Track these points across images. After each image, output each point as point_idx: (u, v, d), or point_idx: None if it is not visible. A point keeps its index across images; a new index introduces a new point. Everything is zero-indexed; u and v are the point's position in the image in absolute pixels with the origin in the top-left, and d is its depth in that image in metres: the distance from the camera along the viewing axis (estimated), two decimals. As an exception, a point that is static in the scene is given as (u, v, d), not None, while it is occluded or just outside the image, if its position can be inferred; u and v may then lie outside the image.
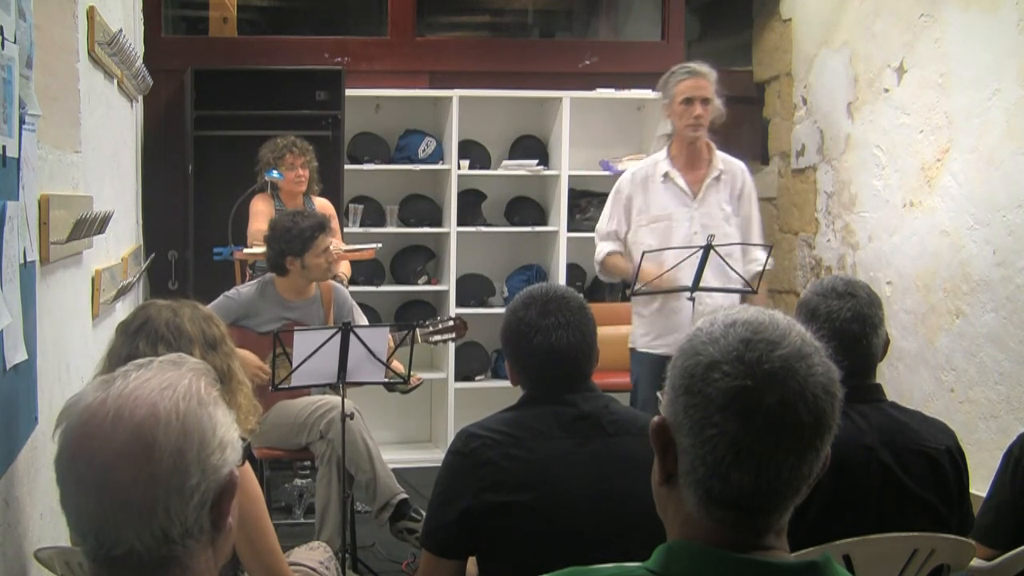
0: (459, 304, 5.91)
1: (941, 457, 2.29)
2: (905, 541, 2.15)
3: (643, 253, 4.03)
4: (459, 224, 5.91)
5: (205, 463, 1.18)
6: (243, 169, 5.24)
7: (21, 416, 2.04)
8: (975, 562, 2.27)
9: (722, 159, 4.26)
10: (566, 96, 5.92)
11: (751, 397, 1.14)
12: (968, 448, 2.49)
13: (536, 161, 6.01)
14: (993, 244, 4.38)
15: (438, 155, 5.97)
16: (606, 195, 6.04)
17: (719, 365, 1.16)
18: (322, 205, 5.12)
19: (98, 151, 3.40)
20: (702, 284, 3.91)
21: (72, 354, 2.73)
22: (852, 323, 2.31)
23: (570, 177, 5.98)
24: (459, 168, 5.87)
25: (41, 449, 2.20)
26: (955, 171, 4.61)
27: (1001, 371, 4.35)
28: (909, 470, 2.25)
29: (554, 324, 2.18)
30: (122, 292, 3.66)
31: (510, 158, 6.07)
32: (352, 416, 3.77)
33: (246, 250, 4.86)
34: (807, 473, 1.17)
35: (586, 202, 6.09)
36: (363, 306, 4.69)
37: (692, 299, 3.96)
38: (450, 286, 5.91)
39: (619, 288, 5.99)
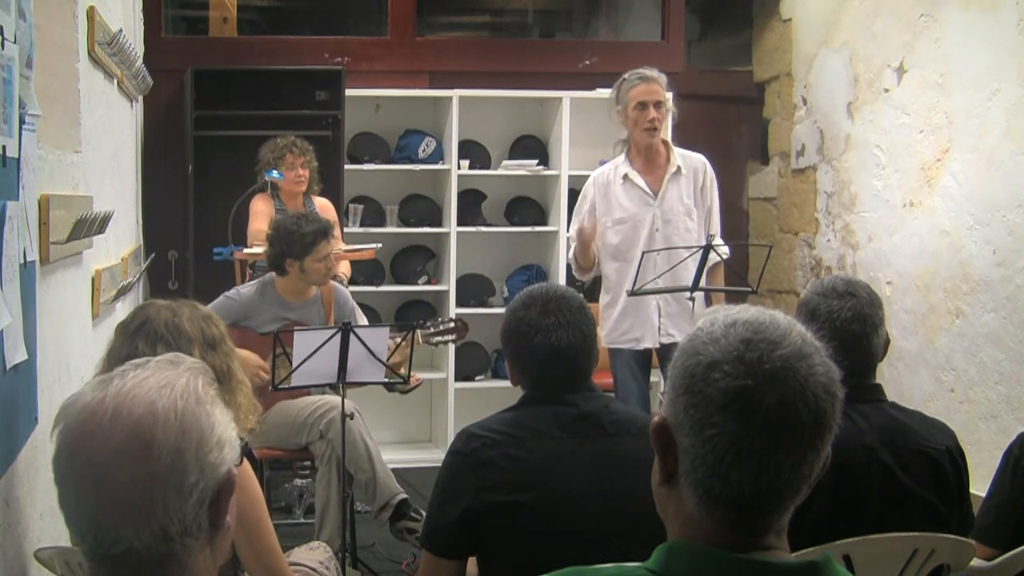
0: (459, 304, 5.91)
1: (941, 457, 2.29)
2: (905, 541, 2.15)
3: (643, 253, 4.06)
4: (459, 224, 5.91)
5: (203, 461, 1.18)
6: (243, 169, 5.24)
7: (21, 416, 2.04)
8: (975, 562, 2.27)
9: (680, 155, 4.33)
10: (566, 96, 5.92)
11: (751, 397, 1.14)
12: (968, 448, 2.49)
13: (536, 161, 6.01)
14: (993, 244, 4.38)
15: (438, 155, 5.97)
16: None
17: (719, 365, 1.16)
18: (322, 205, 5.12)
19: (98, 151, 3.40)
20: (653, 281, 4.01)
21: (72, 354, 2.73)
22: (852, 323, 2.31)
23: (570, 177, 5.97)
24: (459, 168, 5.87)
25: (41, 449, 2.20)
26: (955, 171, 4.61)
27: (1001, 371, 4.35)
28: (909, 470, 2.25)
29: (554, 324, 2.18)
30: (122, 292, 3.66)
31: (510, 158, 6.07)
32: (352, 416, 3.77)
33: (246, 250, 4.85)
34: (807, 473, 1.17)
35: (586, 202, 6.09)
36: (363, 306, 4.69)
37: (692, 299, 3.99)
38: (450, 286, 5.91)
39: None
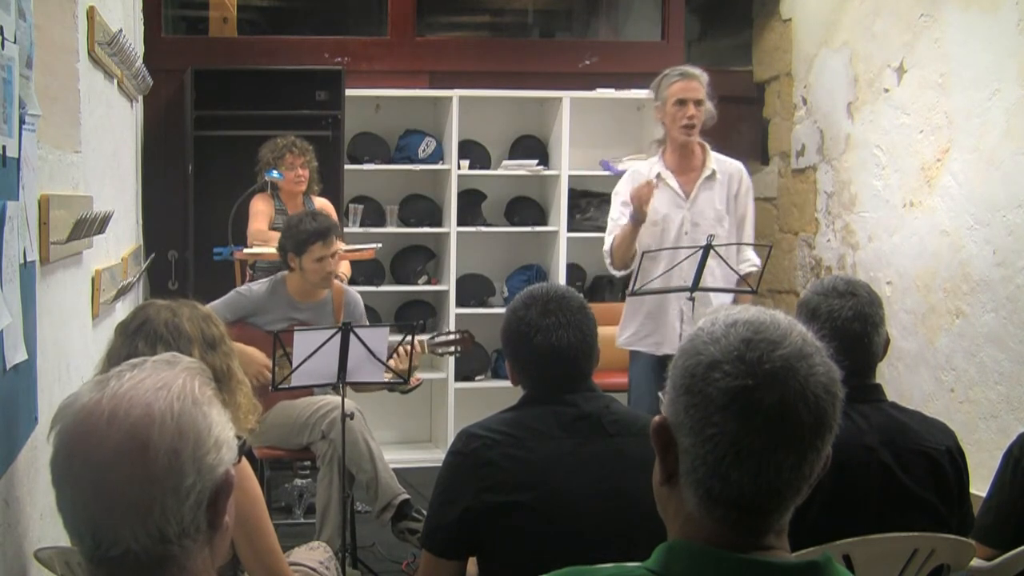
0: (459, 304, 5.91)
1: (941, 457, 2.29)
2: (905, 541, 2.15)
3: (643, 253, 4.05)
4: (459, 224, 5.91)
5: (201, 463, 1.18)
6: (243, 169, 5.24)
7: (21, 416, 2.04)
8: (975, 562, 2.27)
9: (716, 159, 4.26)
10: (566, 96, 5.92)
11: (752, 397, 1.14)
12: (968, 448, 2.49)
13: (536, 161, 6.01)
14: (993, 244, 4.38)
15: (438, 155, 5.97)
16: (606, 195, 6.06)
17: (720, 365, 1.16)
18: (322, 205, 5.12)
19: (98, 151, 3.39)
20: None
21: (72, 354, 2.73)
22: (853, 322, 2.31)
23: (570, 177, 5.97)
24: (459, 168, 5.87)
25: (41, 449, 2.19)
26: (955, 171, 4.61)
27: (1001, 371, 4.35)
28: (909, 470, 2.25)
29: (555, 324, 2.18)
30: (122, 292, 3.66)
31: (510, 158, 6.07)
32: (352, 416, 3.77)
33: (246, 250, 4.86)
34: (808, 473, 1.17)
35: (586, 202, 6.09)
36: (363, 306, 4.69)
37: (692, 299, 3.97)
38: (450, 286, 5.91)
39: (619, 288, 6.00)
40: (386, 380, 3.82)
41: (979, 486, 2.51)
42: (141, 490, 1.15)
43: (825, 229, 5.69)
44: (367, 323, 4.31)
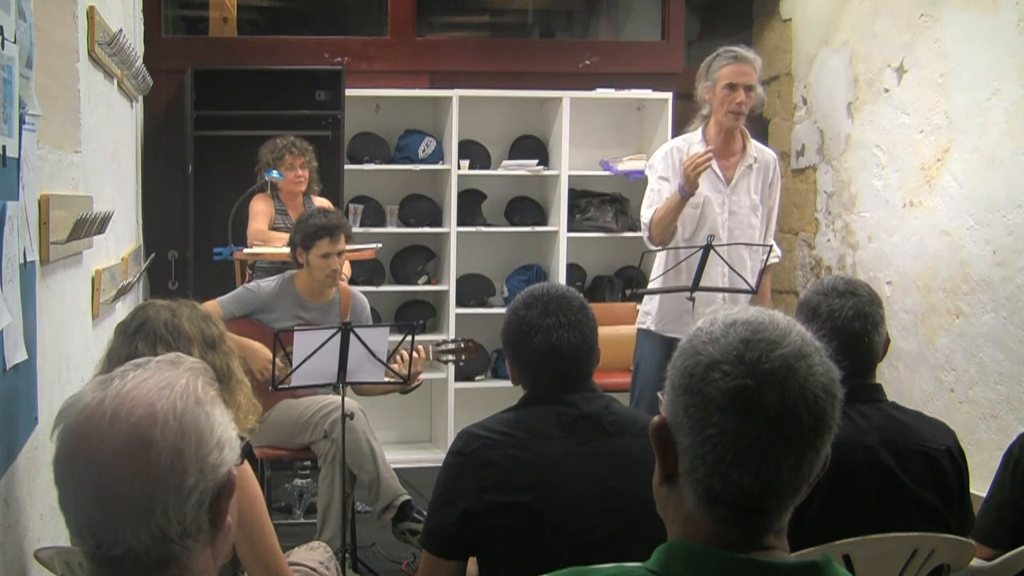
0: (459, 304, 5.91)
1: (941, 457, 2.29)
2: (905, 541, 2.15)
3: (643, 253, 4.04)
4: (459, 224, 5.91)
5: (203, 463, 1.18)
6: (243, 169, 5.23)
7: (21, 416, 2.04)
8: (975, 562, 2.27)
9: (756, 147, 4.18)
10: (566, 96, 5.92)
11: (751, 397, 1.14)
12: (968, 448, 2.49)
13: (536, 161, 6.01)
14: (993, 244, 4.38)
15: (438, 155, 5.97)
16: (606, 195, 6.11)
17: (719, 365, 1.16)
18: (322, 205, 5.11)
19: (98, 151, 3.39)
20: (710, 284, 3.89)
21: (72, 354, 2.73)
22: (853, 321, 2.31)
23: (570, 177, 5.97)
24: (459, 168, 5.87)
25: (41, 449, 2.20)
26: (955, 171, 4.61)
27: (1001, 371, 4.35)
28: (909, 470, 2.25)
29: (555, 324, 2.18)
30: (122, 292, 3.66)
31: (510, 158, 6.07)
32: (352, 416, 3.77)
33: (246, 250, 4.85)
34: (807, 473, 1.17)
35: (586, 202, 6.09)
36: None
37: (692, 299, 3.97)
38: (450, 286, 5.91)
39: (618, 288, 6.00)
40: (386, 380, 3.82)
41: (979, 486, 2.51)
42: (143, 490, 1.15)
43: (825, 229, 5.69)
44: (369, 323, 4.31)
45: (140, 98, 5.17)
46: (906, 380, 4.90)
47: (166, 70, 5.60)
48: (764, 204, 4.18)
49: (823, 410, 1.16)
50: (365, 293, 4.43)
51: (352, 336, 3.55)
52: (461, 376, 5.93)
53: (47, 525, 2.28)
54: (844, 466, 2.04)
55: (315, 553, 2.70)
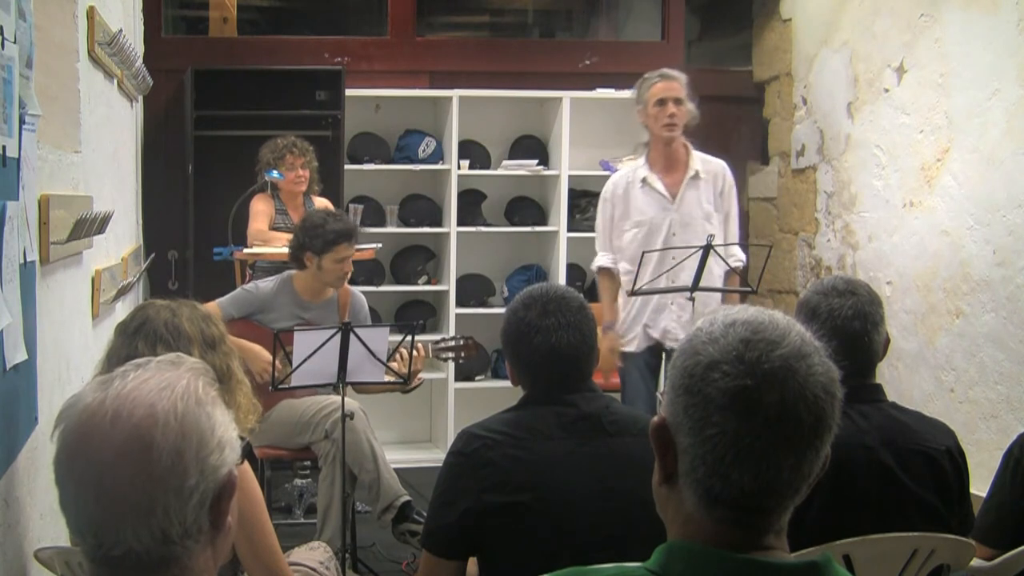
0: (459, 304, 5.91)
1: (941, 458, 2.28)
2: (905, 541, 2.15)
3: (643, 253, 4.06)
4: (459, 224, 5.91)
5: (204, 463, 1.18)
6: (243, 169, 5.23)
7: (21, 416, 2.04)
8: (975, 562, 2.27)
9: (700, 159, 4.34)
10: (566, 96, 5.92)
11: (751, 397, 1.14)
12: (968, 448, 2.49)
13: (536, 161, 6.01)
14: (993, 244, 4.38)
15: (438, 155, 5.97)
16: (606, 195, 6.10)
17: (719, 365, 1.16)
18: (322, 205, 5.12)
19: (98, 151, 3.39)
20: (653, 281, 4.03)
21: (72, 354, 2.73)
22: (853, 320, 2.31)
23: (570, 177, 5.98)
24: (459, 168, 5.87)
25: (41, 449, 2.20)
26: (955, 171, 4.61)
27: (1001, 371, 4.35)
28: (909, 470, 2.25)
29: (554, 325, 2.18)
30: (122, 292, 3.66)
31: (510, 158, 6.07)
32: (353, 416, 3.77)
33: (246, 250, 4.86)
34: (807, 473, 1.17)
35: (586, 202, 6.09)
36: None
37: (692, 299, 3.98)
38: (450, 286, 5.91)
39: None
40: (386, 380, 3.82)
41: (979, 486, 2.51)
42: (144, 490, 1.15)
43: (825, 229, 5.69)
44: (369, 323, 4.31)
45: (140, 98, 5.17)
46: (906, 380, 4.90)
47: (166, 70, 5.60)
48: (720, 211, 4.33)
49: (823, 410, 1.16)
50: (365, 293, 4.44)
51: (352, 336, 3.55)
52: (461, 376, 5.93)
53: (47, 525, 2.28)
54: (844, 466, 2.04)
55: (315, 553, 2.70)
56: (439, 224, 6.00)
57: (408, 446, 6.03)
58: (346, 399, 3.69)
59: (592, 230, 5.95)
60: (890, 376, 4.88)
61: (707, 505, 1.18)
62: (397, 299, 6.07)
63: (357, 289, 4.45)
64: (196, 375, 1.24)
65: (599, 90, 6.07)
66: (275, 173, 4.99)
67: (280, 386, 3.62)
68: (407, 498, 3.91)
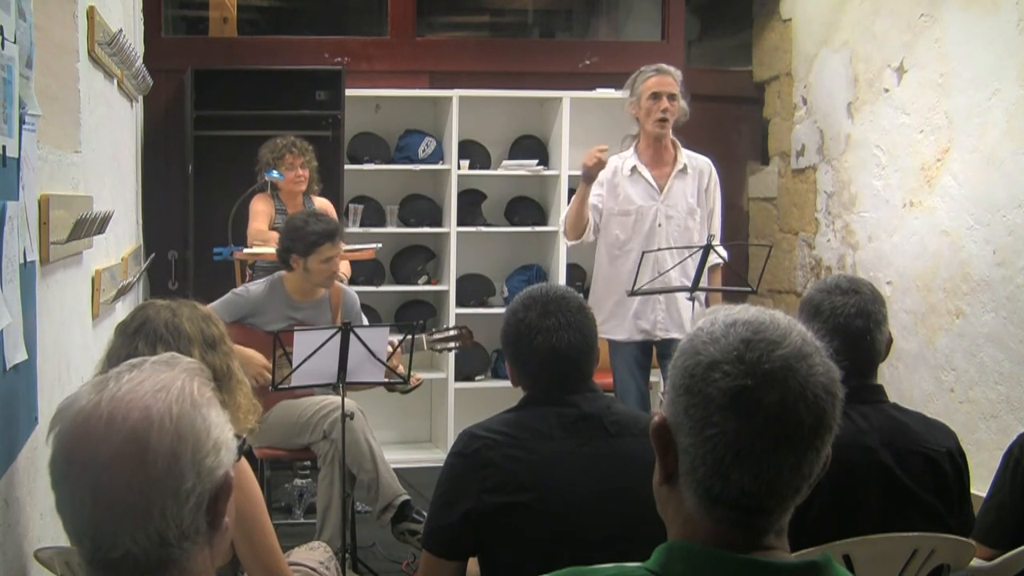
0: (459, 304, 5.91)
1: (942, 459, 2.28)
2: (905, 541, 2.15)
3: (643, 253, 4.07)
4: (459, 224, 5.91)
5: (200, 465, 1.18)
6: (243, 169, 5.23)
7: (21, 416, 2.04)
8: (975, 562, 2.27)
9: (687, 155, 4.38)
10: (566, 96, 5.92)
11: (751, 397, 1.14)
12: (968, 448, 2.48)
13: (536, 161, 6.01)
14: (993, 244, 4.38)
15: (438, 155, 5.97)
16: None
17: (719, 365, 1.16)
18: (322, 205, 5.12)
19: (98, 151, 3.39)
20: (651, 281, 4.05)
21: (72, 354, 2.73)
22: (856, 319, 2.30)
23: (570, 177, 5.96)
24: (459, 168, 5.87)
25: (41, 449, 2.19)
26: (955, 171, 4.61)
27: (1001, 371, 4.35)
28: (909, 471, 2.25)
29: (555, 325, 2.18)
30: (122, 292, 3.66)
31: (510, 158, 6.07)
32: (352, 416, 3.77)
33: (246, 250, 4.85)
34: (807, 473, 1.17)
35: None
36: (363, 306, 4.68)
37: (692, 299, 3.99)
38: (450, 286, 5.91)
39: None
40: (386, 380, 3.82)
41: (979, 486, 2.51)
42: (140, 494, 1.15)
43: (825, 229, 5.69)
44: (365, 320, 4.31)
45: (140, 98, 5.17)
46: (906, 380, 4.90)
47: (166, 70, 5.60)
48: (703, 207, 4.36)
49: (823, 410, 1.16)
50: (365, 293, 4.44)
51: (352, 336, 3.55)
52: (461, 376, 5.93)
53: (47, 525, 2.27)
54: (844, 466, 2.03)
55: (315, 553, 2.70)
56: (439, 224, 6.00)
57: (408, 446, 6.03)
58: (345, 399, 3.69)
59: (592, 230, 6.01)
60: (890, 376, 4.88)
61: (707, 505, 1.18)
62: (397, 299, 6.07)
63: (351, 288, 4.45)
64: (191, 376, 1.23)
65: (599, 90, 6.07)
66: (275, 173, 4.98)
67: (280, 386, 3.62)
68: (406, 497, 3.92)
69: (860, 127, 5.34)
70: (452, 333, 4.26)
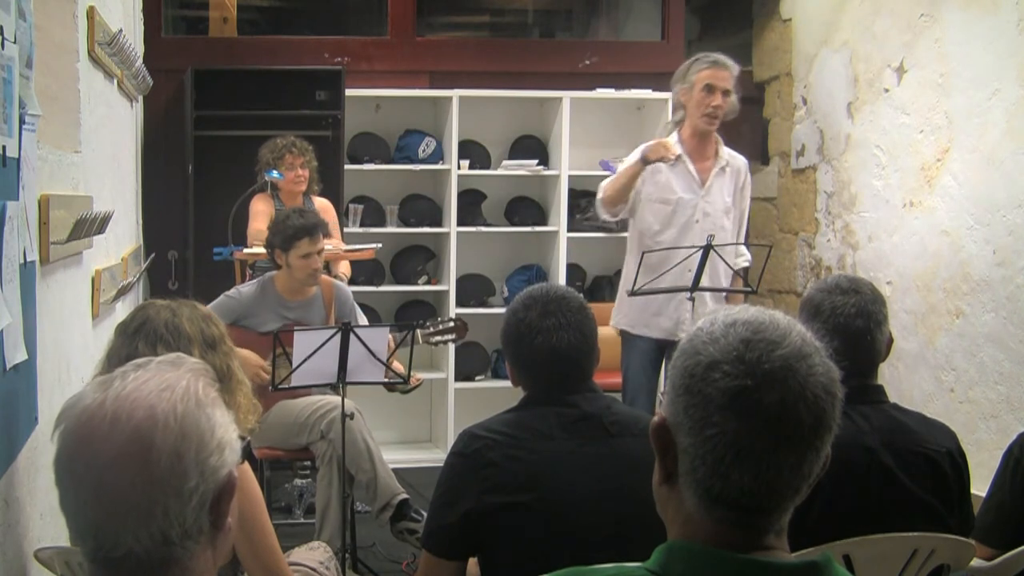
0: (459, 304, 5.91)
1: (942, 459, 2.28)
2: (905, 541, 2.15)
3: (643, 254, 4.04)
4: (459, 224, 5.91)
5: (204, 465, 1.18)
6: (243, 169, 5.23)
7: (21, 416, 2.04)
8: (975, 562, 2.27)
9: (728, 153, 4.27)
10: (566, 96, 5.92)
11: (751, 397, 1.14)
12: (968, 448, 2.49)
13: (536, 161, 6.01)
14: (993, 244, 4.38)
15: (438, 155, 5.97)
16: (606, 195, 6.10)
17: (719, 365, 1.16)
18: (322, 205, 5.12)
19: (98, 151, 3.39)
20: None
21: (72, 354, 2.73)
22: (856, 318, 2.30)
23: (570, 177, 5.98)
24: (459, 168, 5.87)
25: (41, 449, 2.20)
26: (955, 171, 4.61)
27: (1001, 371, 4.35)
28: (910, 471, 2.25)
29: (555, 325, 2.18)
30: (122, 292, 3.66)
31: (510, 158, 6.07)
32: (352, 416, 3.77)
33: (246, 250, 4.85)
34: (807, 473, 1.17)
35: (586, 202, 6.09)
36: (363, 306, 4.69)
37: (692, 299, 3.97)
38: (450, 286, 5.91)
39: (618, 287, 6.00)
40: (387, 380, 3.82)
41: (979, 486, 2.51)
42: (143, 492, 1.15)
43: (825, 229, 5.69)
44: (359, 314, 4.31)
45: (140, 98, 5.17)
46: (906, 380, 4.90)
47: (166, 70, 5.60)
48: (736, 207, 4.27)
49: (823, 410, 1.16)
50: (365, 293, 4.44)
51: (352, 336, 3.55)
52: (461, 376, 5.93)
53: (47, 525, 2.28)
54: (844, 466, 2.04)
55: (315, 553, 2.70)
56: (439, 224, 6.00)
57: (408, 446, 6.03)
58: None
59: (592, 230, 6.01)
60: (890, 376, 4.88)
61: (707, 505, 1.18)
62: (397, 299, 6.07)
63: (348, 286, 4.44)
64: (196, 376, 1.23)
65: (599, 90, 6.07)
66: (275, 173, 4.98)
67: (280, 386, 3.63)
68: (404, 496, 3.92)
69: (860, 127, 5.34)
70: (447, 326, 4.25)
